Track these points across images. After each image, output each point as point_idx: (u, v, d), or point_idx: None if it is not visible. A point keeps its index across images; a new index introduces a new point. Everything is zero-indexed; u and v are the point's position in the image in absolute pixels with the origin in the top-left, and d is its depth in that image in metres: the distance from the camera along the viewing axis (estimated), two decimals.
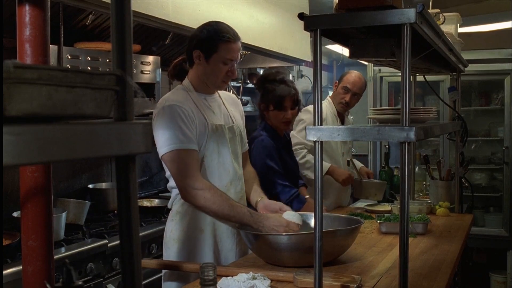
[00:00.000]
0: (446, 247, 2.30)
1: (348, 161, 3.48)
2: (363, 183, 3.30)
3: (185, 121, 2.03)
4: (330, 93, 5.65)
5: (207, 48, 2.10)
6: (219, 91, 2.29)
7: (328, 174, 3.23)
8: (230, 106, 2.30)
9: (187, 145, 2.02)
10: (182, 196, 2.07)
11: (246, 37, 3.40)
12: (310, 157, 3.18)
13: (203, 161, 2.11)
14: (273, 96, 2.80)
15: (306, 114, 3.27)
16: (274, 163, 2.73)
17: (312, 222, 2.05)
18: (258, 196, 2.30)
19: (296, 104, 2.84)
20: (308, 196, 3.02)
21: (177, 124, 2.02)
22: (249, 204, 2.28)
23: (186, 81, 2.20)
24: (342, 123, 3.54)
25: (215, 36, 2.09)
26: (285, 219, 2.05)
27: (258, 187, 2.37)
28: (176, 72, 2.29)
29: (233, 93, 3.05)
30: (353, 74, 3.46)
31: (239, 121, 2.32)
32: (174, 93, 2.15)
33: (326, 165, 3.25)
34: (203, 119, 2.11)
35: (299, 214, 2.12)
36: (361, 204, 3.47)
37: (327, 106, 3.51)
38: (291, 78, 5.22)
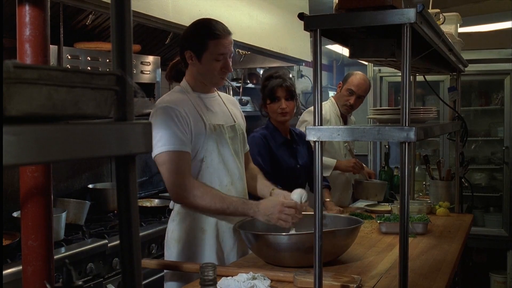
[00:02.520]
0: (446, 247, 2.30)
1: (344, 154, 3.50)
2: (364, 184, 3.31)
3: (177, 123, 2.02)
4: (330, 93, 5.64)
5: (197, 47, 2.08)
6: (218, 92, 2.28)
7: (335, 169, 3.26)
8: (230, 105, 2.30)
9: (179, 147, 2.01)
10: (173, 198, 2.08)
11: (246, 37, 3.40)
12: None
13: (203, 161, 2.10)
14: (267, 90, 2.87)
15: (310, 115, 3.27)
16: (261, 159, 2.75)
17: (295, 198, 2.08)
18: (269, 188, 2.29)
19: (291, 96, 2.85)
20: (328, 200, 3.05)
21: (169, 126, 2.01)
22: (258, 198, 2.27)
23: (183, 82, 2.19)
24: (345, 124, 3.54)
25: (203, 34, 2.07)
26: (278, 198, 2.06)
27: (265, 180, 2.36)
28: (173, 74, 2.28)
29: (232, 93, 3.06)
30: (357, 76, 3.44)
31: (240, 121, 2.31)
32: (170, 95, 2.14)
33: (332, 161, 3.27)
34: (200, 120, 2.09)
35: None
36: (361, 204, 3.48)
37: (330, 107, 3.51)
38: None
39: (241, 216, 2.10)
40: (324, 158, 3.28)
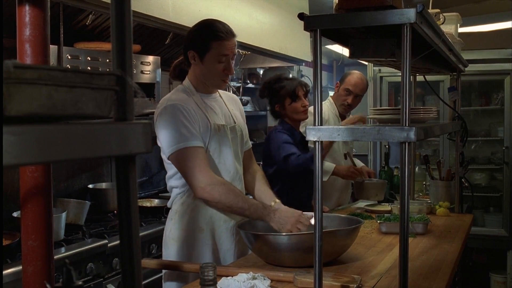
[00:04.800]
0: (446, 247, 2.30)
1: (344, 154, 3.48)
2: (364, 184, 3.30)
3: (188, 119, 2.03)
4: (330, 93, 5.64)
5: (200, 48, 2.09)
6: (219, 91, 2.28)
7: (333, 175, 3.25)
8: (230, 106, 2.30)
9: (192, 143, 2.02)
10: (197, 194, 2.05)
11: (246, 37, 3.40)
12: None
13: None
14: (286, 91, 2.94)
15: (309, 116, 3.26)
16: (290, 143, 2.87)
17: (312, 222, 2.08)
18: (271, 199, 2.24)
19: (308, 94, 2.99)
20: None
21: (180, 123, 2.01)
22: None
23: (186, 81, 2.19)
24: None
25: (207, 35, 2.07)
26: (296, 211, 2.07)
27: (269, 188, 2.33)
28: (176, 74, 2.28)
29: (233, 92, 3.07)
30: (354, 76, 3.44)
31: (240, 121, 2.31)
32: (175, 93, 2.15)
33: (331, 166, 3.26)
34: (205, 119, 2.10)
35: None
36: (361, 204, 3.47)
37: (329, 106, 3.51)
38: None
39: (253, 219, 2.10)
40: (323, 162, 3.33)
